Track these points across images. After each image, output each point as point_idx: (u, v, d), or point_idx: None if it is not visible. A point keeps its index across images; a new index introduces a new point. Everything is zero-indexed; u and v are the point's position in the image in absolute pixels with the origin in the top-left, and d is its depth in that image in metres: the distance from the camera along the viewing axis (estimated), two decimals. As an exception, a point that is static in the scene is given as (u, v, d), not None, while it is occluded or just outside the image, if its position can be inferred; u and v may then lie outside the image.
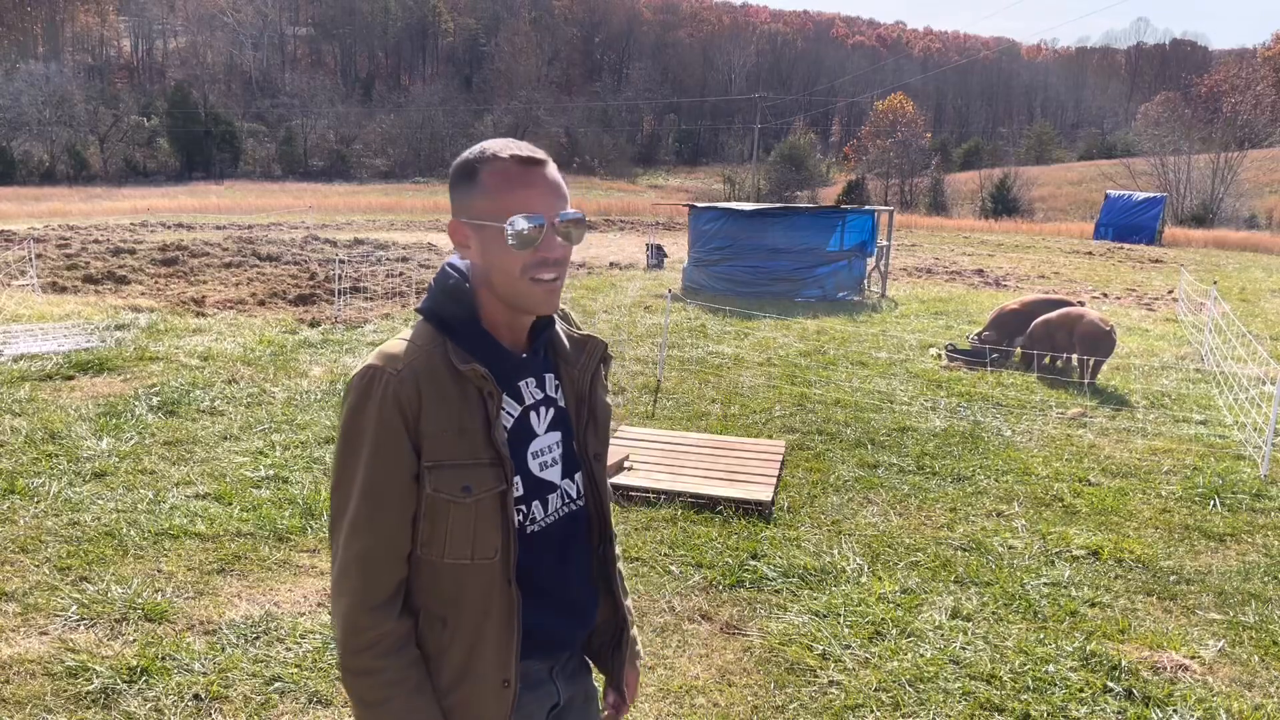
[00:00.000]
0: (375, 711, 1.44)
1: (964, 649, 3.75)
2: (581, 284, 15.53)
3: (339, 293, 11.79)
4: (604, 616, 1.73)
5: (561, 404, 1.60)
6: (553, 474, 1.57)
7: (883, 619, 3.97)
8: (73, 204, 37.86)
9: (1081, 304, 10.13)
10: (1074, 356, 8.90)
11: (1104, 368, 9.00)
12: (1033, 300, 10.25)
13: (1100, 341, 8.68)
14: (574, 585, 1.62)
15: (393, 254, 18.79)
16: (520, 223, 1.41)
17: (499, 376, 1.48)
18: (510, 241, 1.42)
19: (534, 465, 1.54)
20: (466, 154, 1.49)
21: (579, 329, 1.69)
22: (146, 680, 3.33)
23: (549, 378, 1.59)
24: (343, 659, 1.46)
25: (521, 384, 1.54)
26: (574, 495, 1.62)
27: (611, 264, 19.27)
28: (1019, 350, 9.48)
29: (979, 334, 9.93)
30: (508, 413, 1.51)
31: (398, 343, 1.48)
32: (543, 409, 1.57)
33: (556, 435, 1.59)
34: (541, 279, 1.45)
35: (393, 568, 1.45)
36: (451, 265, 1.55)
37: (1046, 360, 9.13)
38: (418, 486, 1.43)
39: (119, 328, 9.73)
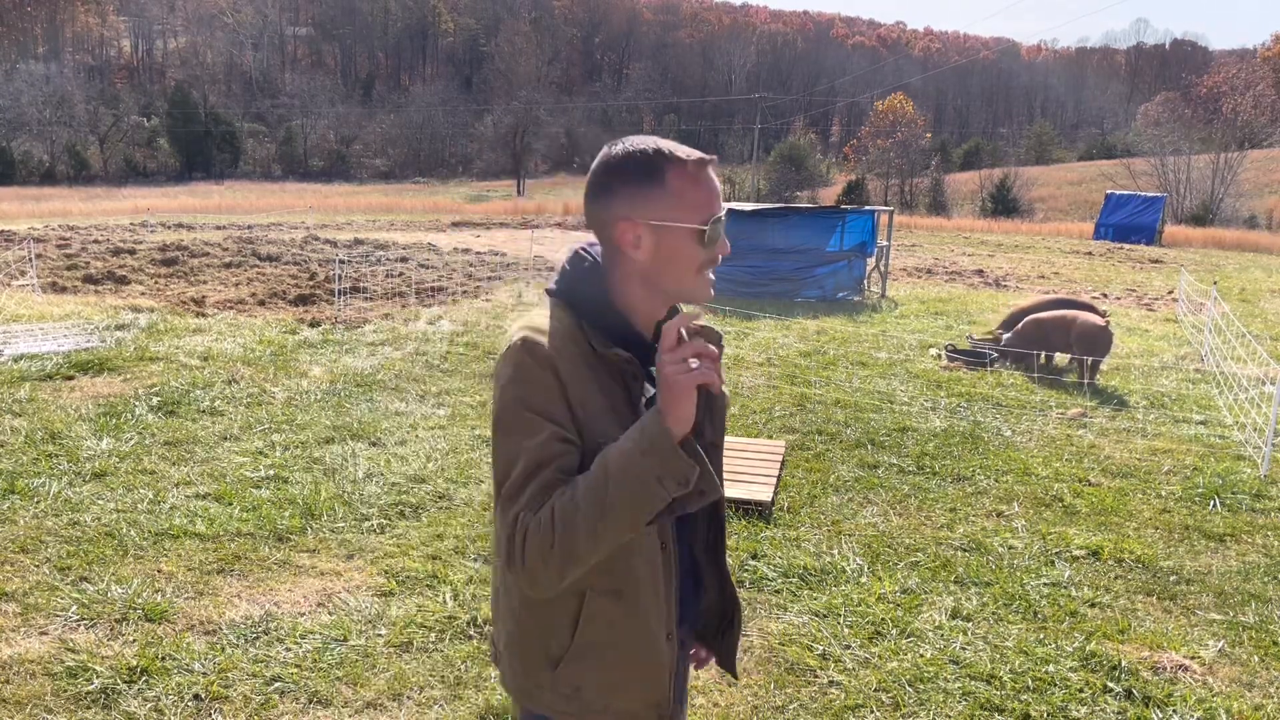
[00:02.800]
0: (599, 506, 1.36)
1: (964, 649, 3.75)
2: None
3: (339, 293, 11.79)
4: (713, 598, 1.79)
5: None
6: None
7: (883, 619, 3.97)
8: (73, 204, 37.85)
9: (1099, 310, 10.02)
10: (1069, 356, 8.88)
11: (1103, 367, 9.00)
12: (1046, 301, 10.17)
13: (1098, 339, 8.66)
14: (696, 564, 1.72)
15: (392, 254, 18.79)
16: (719, 225, 1.50)
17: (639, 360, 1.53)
18: (707, 243, 1.49)
19: None
20: (637, 150, 1.49)
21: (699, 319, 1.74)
22: (146, 680, 3.33)
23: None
24: (539, 545, 1.38)
25: (652, 368, 1.55)
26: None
27: (611, 264, 19.25)
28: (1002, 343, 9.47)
29: (998, 331, 9.86)
30: (645, 396, 1.56)
31: (539, 319, 1.51)
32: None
33: None
34: (710, 274, 1.53)
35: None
36: (585, 251, 1.59)
37: (1042, 360, 9.12)
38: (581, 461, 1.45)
39: (119, 328, 9.73)
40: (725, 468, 5.86)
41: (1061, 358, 9.28)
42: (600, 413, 1.48)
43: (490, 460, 1.50)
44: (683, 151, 1.51)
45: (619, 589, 1.54)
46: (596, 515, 1.36)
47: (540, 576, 1.41)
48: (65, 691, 3.25)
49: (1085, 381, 8.54)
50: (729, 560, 1.81)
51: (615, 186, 1.50)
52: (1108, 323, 8.82)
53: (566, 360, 1.46)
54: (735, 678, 1.98)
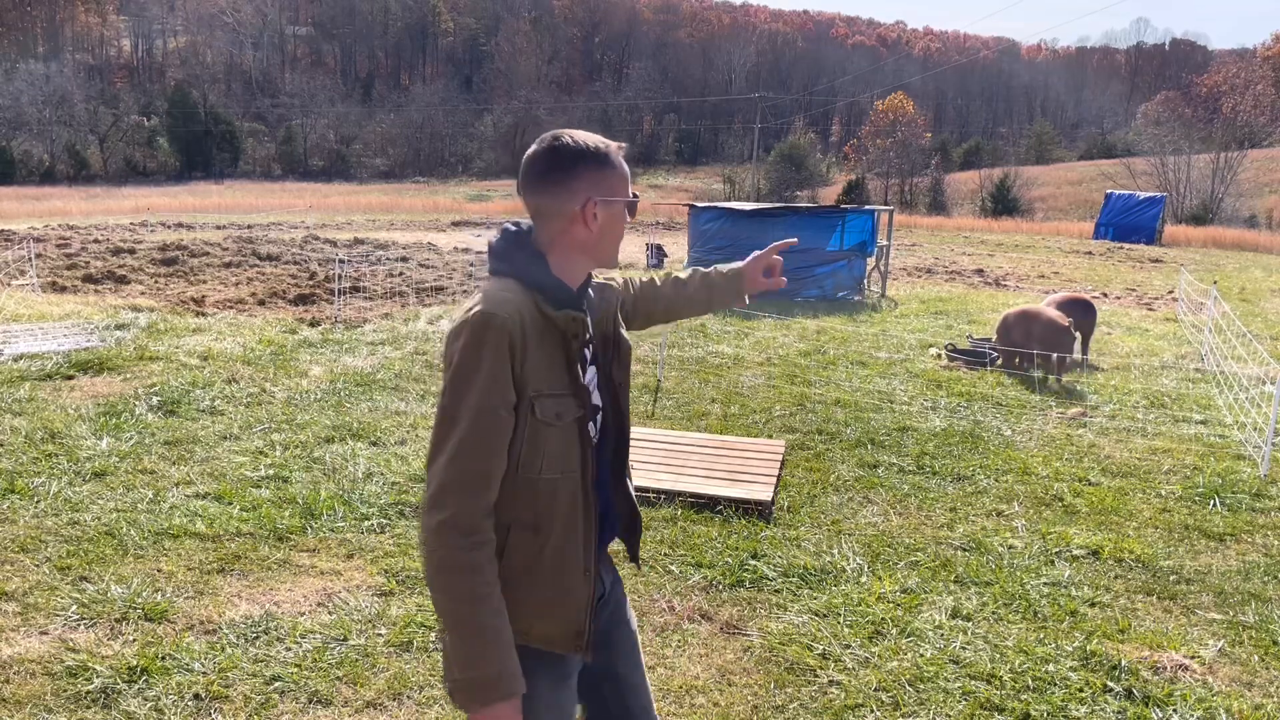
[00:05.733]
0: (470, 610, 1.65)
1: (964, 649, 3.75)
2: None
3: (339, 292, 11.79)
4: (622, 510, 2.02)
5: (592, 335, 1.91)
6: (597, 398, 1.88)
7: (883, 619, 3.97)
8: (73, 204, 37.83)
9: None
10: (1038, 354, 8.83)
11: (1093, 360, 8.97)
12: (1065, 299, 10.12)
13: (1061, 337, 8.61)
14: (605, 488, 1.93)
15: (393, 254, 18.80)
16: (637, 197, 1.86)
17: None
18: (630, 214, 1.85)
19: (589, 391, 1.86)
20: (586, 143, 1.79)
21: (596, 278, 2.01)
22: (146, 680, 3.33)
23: (589, 319, 1.88)
24: (447, 559, 1.64)
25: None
26: (604, 415, 1.92)
27: (611, 264, 19.24)
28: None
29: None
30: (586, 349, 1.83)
31: (496, 294, 1.74)
32: (590, 345, 1.89)
33: (594, 367, 1.89)
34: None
35: (493, 483, 1.69)
36: (520, 235, 1.84)
37: (1017, 360, 9.09)
38: (516, 416, 1.70)
39: (119, 327, 9.73)
40: (725, 468, 5.88)
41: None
42: (544, 368, 1.72)
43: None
44: (614, 143, 1.83)
45: (537, 524, 1.75)
46: (451, 606, 1.67)
47: (431, 549, 1.67)
48: (65, 691, 3.25)
49: (1056, 378, 8.52)
50: (630, 482, 2.04)
51: (580, 173, 1.77)
52: (1070, 324, 8.74)
53: (519, 328, 1.69)
54: (639, 568, 2.25)
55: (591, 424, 1.83)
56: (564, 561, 1.78)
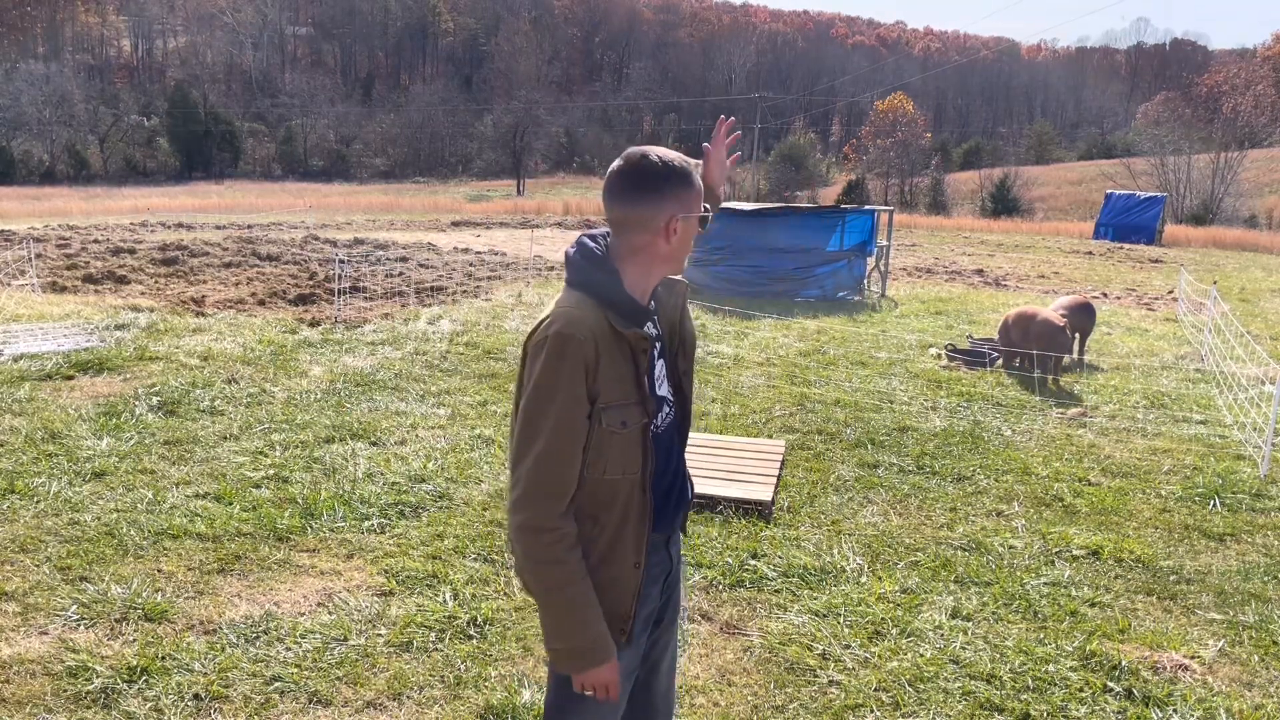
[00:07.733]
0: (559, 595, 1.88)
1: (964, 649, 3.75)
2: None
3: (339, 292, 11.79)
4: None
5: (660, 334, 2.06)
6: (664, 390, 2.05)
7: (883, 619, 3.97)
8: (73, 204, 37.81)
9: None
10: (1035, 354, 8.84)
11: (1095, 364, 8.97)
12: (1070, 303, 10.10)
13: (1056, 337, 8.65)
14: (677, 470, 2.12)
15: (393, 254, 18.78)
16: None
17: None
18: (705, 226, 1.99)
19: (657, 386, 2.02)
20: (673, 162, 1.92)
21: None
22: (146, 680, 3.33)
23: (656, 318, 2.05)
24: (531, 553, 1.87)
25: (646, 326, 1.99)
26: (671, 403, 2.08)
27: (611, 264, 19.21)
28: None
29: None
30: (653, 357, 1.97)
31: (571, 311, 1.88)
32: (657, 343, 2.04)
33: (661, 360, 2.05)
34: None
35: (571, 486, 1.88)
36: (596, 249, 1.97)
37: (1018, 360, 9.10)
38: (589, 424, 1.87)
39: (119, 327, 9.73)
40: (725, 467, 5.87)
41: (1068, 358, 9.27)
42: (613, 381, 1.87)
43: (509, 448, 1.96)
44: (692, 160, 1.97)
45: (596, 515, 1.93)
46: (542, 592, 1.91)
47: (517, 545, 1.90)
48: (65, 691, 3.26)
49: (1053, 377, 8.55)
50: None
51: (671, 191, 1.91)
52: (1065, 325, 8.79)
53: (593, 346, 1.84)
54: (684, 535, 2.32)
55: (660, 414, 2.00)
56: (615, 552, 1.95)
